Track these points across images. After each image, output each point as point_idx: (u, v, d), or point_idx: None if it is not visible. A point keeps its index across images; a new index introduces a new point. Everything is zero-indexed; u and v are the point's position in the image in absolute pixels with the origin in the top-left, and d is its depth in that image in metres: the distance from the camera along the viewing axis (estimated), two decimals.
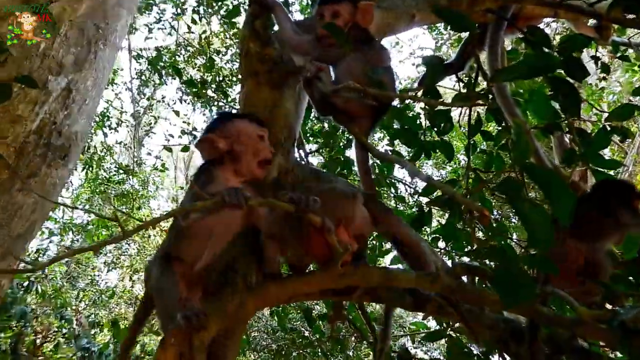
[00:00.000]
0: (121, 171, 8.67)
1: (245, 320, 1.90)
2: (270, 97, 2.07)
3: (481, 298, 1.63)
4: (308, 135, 4.19)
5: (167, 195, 11.76)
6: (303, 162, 2.98)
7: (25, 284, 7.75)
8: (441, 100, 2.23)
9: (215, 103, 6.79)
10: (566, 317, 1.67)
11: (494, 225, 2.35)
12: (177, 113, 7.35)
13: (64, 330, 8.09)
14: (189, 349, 1.41)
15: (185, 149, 4.73)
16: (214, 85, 5.73)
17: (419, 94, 2.44)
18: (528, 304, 1.47)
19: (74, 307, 8.60)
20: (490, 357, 2.41)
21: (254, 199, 1.39)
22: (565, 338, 1.89)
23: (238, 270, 1.84)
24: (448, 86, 7.14)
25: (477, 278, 1.91)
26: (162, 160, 9.29)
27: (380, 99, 1.78)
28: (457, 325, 2.44)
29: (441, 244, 2.98)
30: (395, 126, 2.98)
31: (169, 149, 5.20)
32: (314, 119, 5.92)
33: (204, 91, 4.18)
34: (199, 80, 4.39)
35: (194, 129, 4.85)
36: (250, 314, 1.57)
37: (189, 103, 8.35)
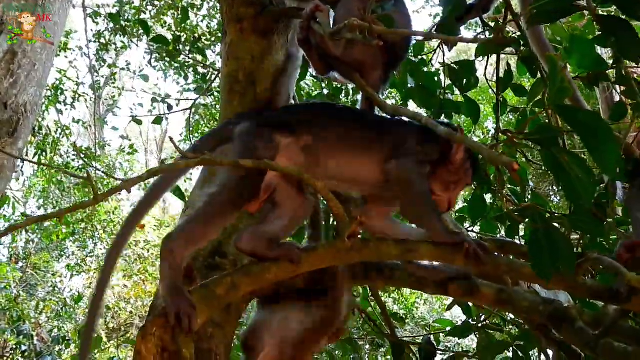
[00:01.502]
0: (82, 155, 8.69)
1: (239, 310, 1.95)
2: (257, 47, 2.10)
3: (514, 271, 1.67)
4: (305, 100, 4.20)
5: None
6: None
7: None
8: (460, 36, 2.23)
9: (192, 68, 6.79)
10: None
11: (529, 193, 2.37)
12: (145, 78, 7.33)
13: (23, 348, 8.17)
14: (172, 340, 1.46)
15: (157, 120, 4.74)
16: (188, 47, 5.71)
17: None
18: (568, 274, 1.51)
19: (33, 321, 8.68)
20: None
21: None
22: (613, 317, 1.94)
23: (227, 255, 1.90)
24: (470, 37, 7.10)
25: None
26: (129, 140, 9.31)
27: (388, 40, 1.80)
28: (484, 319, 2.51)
29: (468, 226, 2.99)
30: (409, 85, 2.96)
31: (138, 121, 5.19)
32: (310, 81, 5.92)
33: (177, 50, 4.16)
34: (170, 39, 4.36)
35: (167, 95, 4.80)
36: (241, 297, 1.61)
37: (159, 70, 8.34)
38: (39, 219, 1.49)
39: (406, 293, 9.70)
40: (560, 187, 1.59)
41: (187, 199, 2.25)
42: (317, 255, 1.64)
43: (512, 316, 2.75)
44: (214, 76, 5.02)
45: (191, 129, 7.85)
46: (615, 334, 1.95)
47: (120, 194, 9.57)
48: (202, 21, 8.05)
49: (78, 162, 8.93)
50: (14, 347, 8.41)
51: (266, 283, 1.63)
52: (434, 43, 3.50)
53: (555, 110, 1.35)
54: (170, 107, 4.40)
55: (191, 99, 5.61)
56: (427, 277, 2.02)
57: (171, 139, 1.56)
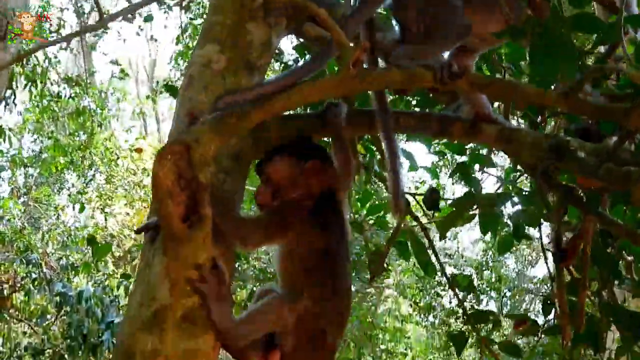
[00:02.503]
0: (73, 83, 8.59)
1: (248, 161, 1.97)
2: None
3: (513, 89, 1.70)
4: None
5: (130, 111, 11.73)
6: None
7: None
8: None
9: None
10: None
11: None
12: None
13: (34, 276, 8.34)
14: (187, 165, 1.49)
15: (148, 18, 4.66)
16: None
17: None
18: (568, 78, 1.53)
19: (40, 251, 8.82)
20: None
21: None
22: (613, 145, 1.98)
23: None
24: None
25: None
26: (119, 65, 9.20)
27: None
28: None
29: None
30: None
31: (130, 19, 5.10)
32: None
33: None
34: None
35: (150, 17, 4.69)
36: (254, 124, 1.64)
37: None
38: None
39: None
40: None
41: None
42: (321, 84, 1.66)
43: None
44: None
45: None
46: (614, 163, 1.99)
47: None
48: None
49: (70, 89, 8.85)
50: (25, 275, 8.58)
51: (274, 113, 1.65)
52: None
53: None
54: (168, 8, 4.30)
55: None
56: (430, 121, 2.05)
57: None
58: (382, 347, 10.58)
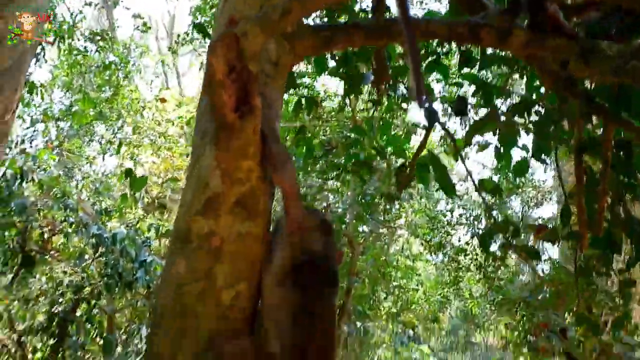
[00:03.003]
0: (97, 38, 8.52)
1: (286, 67, 1.96)
2: None
3: None
4: None
5: (151, 66, 11.65)
6: None
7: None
8: None
9: None
10: None
11: None
12: None
13: (71, 220, 8.46)
14: (237, 56, 1.47)
15: None
16: None
17: None
18: None
19: (75, 197, 8.91)
20: None
21: None
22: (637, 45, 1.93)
23: None
24: None
25: None
26: (142, 18, 9.09)
27: None
28: None
29: None
30: None
31: None
32: None
33: None
34: None
35: None
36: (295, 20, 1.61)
37: None
38: None
39: None
40: None
41: None
42: None
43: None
44: None
45: None
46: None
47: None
48: None
49: (95, 44, 8.78)
50: (62, 220, 8.68)
51: (316, 9, 1.62)
52: None
53: None
54: None
55: None
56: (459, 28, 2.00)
57: None
58: (395, 283, 10.71)
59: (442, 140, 9.52)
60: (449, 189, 3.09)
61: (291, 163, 1.62)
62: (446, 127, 2.49)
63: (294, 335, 1.51)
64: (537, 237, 2.75)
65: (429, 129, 2.48)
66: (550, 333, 6.55)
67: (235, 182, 1.59)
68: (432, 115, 2.35)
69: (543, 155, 2.98)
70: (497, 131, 2.72)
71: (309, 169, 7.06)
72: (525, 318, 6.93)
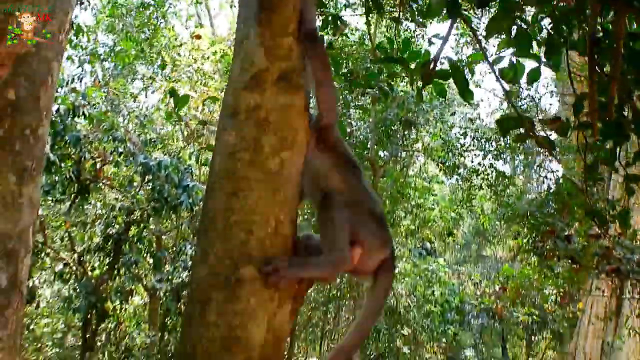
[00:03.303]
0: None
1: None
2: None
3: None
4: None
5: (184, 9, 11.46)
6: None
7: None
8: None
9: None
10: None
11: None
12: None
13: (120, 150, 8.60)
14: None
15: None
16: None
17: None
18: None
19: (122, 130, 9.03)
20: None
21: None
22: None
23: None
24: None
25: None
26: None
27: None
28: None
29: None
30: None
31: None
32: None
33: None
34: None
35: None
36: None
37: None
38: None
39: None
40: None
41: None
42: None
43: None
44: None
45: None
46: None
47: None
48: None
49: None
50: (112, 150, 8.83)
51: None
52: None
53: None
54: None
55: None
56: None
57: None
58: (413, 203, 10.77)
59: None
60: (467, 94, 3.05)
61: (322, 40, 1.63)
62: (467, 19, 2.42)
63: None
64: (551, 126, 2.72)
65: (452, 21, 2.43)
66: (557, 239, 6.57)
67: (277, 58, 1.61)
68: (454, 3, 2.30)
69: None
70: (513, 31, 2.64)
71: None
72: (533, 226, 6.97)
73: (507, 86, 2.90)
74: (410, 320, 10.21)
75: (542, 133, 3.09)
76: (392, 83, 4.17)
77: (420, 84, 2.92)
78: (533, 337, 14.07)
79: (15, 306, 1.87)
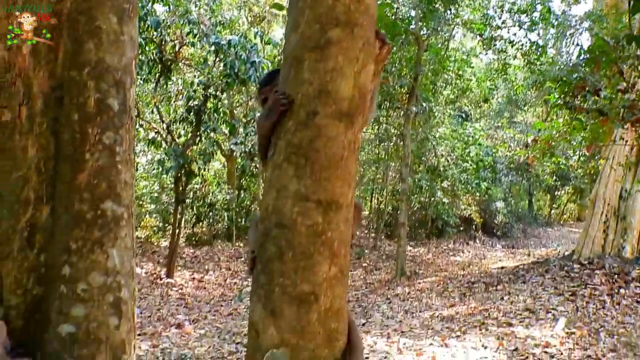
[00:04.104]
0: None
1: None
2: None
3: None
4: None
5: None
6: None
7: None
8: None
9: None
10: None
11: None
12: None
13: (195, 32, 8.63)
14: None
15: None
16: None
17: None
18: None
19: (195, 14, 8.99)
20: None
21: None
22: None
23: None
24: None
25: None
26: None
27: None
28: None
29: None
30: None
31: None
32: None
33: None
34: None
35: None
36: None
37: None
38: None
39: None
40: None
41: None
42: None
43: None
44: None
45: None
46: None
47: None
48: None
49: None
50: (188, 32, 8.87)
51: None
52: None
53: None
54: None
55: None
56: None
57: None
58: (452, 74, 10.51)
59: None
60: None
61: None
62: None
63: None
64: None
65: None
66: (587, 92, 6.37)
67: None
68: None
69: None
70: None
71: None
72: (564, 83, 6.74)
73: None
74: (449, 176, 10.43)
75: None
76: None
77: None
78: (556, 193, 14.15)
79: (127, 127, 1.96)
